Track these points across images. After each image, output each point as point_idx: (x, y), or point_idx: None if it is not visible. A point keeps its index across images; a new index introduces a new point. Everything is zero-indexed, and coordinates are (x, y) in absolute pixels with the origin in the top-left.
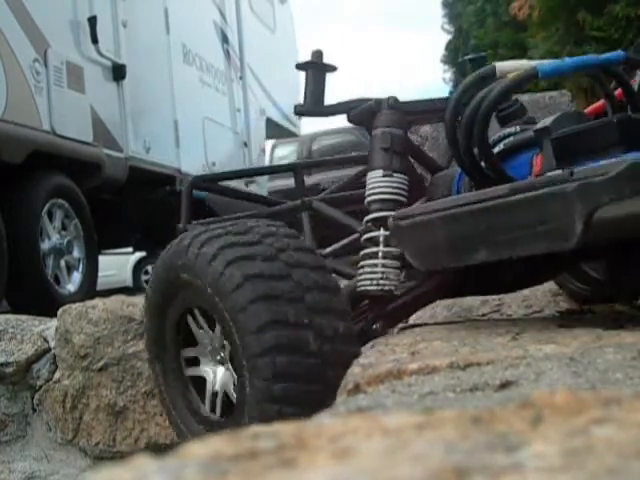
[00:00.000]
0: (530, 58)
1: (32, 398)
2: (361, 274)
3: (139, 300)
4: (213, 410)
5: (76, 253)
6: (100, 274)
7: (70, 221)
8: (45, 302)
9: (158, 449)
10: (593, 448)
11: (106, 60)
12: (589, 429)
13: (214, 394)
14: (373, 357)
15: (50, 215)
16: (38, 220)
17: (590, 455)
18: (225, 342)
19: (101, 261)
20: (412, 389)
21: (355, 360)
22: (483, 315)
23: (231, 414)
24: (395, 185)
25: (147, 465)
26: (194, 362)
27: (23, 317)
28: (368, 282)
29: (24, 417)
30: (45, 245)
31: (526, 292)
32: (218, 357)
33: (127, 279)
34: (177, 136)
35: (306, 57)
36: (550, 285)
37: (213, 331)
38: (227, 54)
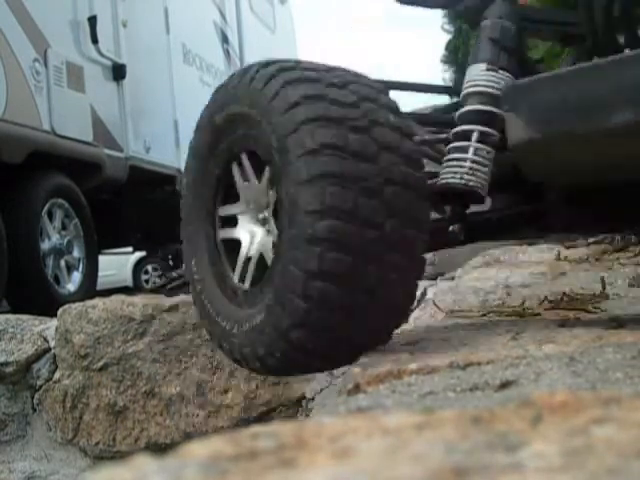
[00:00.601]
0: (530, 58)
1: (32, 398)
2: (446, 167)
3: (139, 300)
4: (242, 280)
5: (76, 253)
6: (100, 274)
7: (70, 221)
8: (45, 302)
9: (158, 449)
10: (593, 448)
11: (106, 60)
12: (589, 429)
13: (247, 259)
14: (373, 357)
15: (50, 215)
16: (38, 220)
17: (590, 455)
18: (270, 193)
19: (101, 261)
20: (412, 389)
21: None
22: (483, 315)
23: (260, 283)
24: (498, 81)
25: (147, 465)
26: (230, 223)
27: (23, 317)
28: (451, 175)
29: (24, 417)
30: (45, 245)
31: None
32: (260, 216)
33: (127, 279)
34: (177, 136)
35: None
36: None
37: (259, 181)
38: (227, 54)
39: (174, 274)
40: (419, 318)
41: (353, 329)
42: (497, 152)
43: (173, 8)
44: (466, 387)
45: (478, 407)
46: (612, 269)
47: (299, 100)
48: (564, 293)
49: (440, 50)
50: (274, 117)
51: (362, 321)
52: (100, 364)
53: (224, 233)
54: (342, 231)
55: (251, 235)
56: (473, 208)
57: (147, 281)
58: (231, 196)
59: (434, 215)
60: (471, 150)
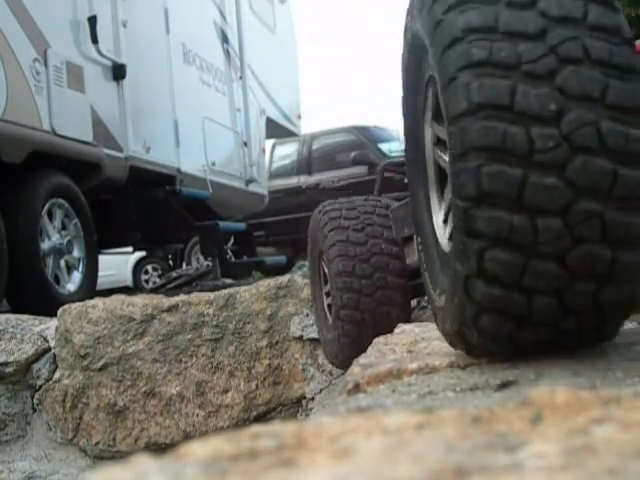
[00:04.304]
0: None
1: (32, 398)
2: None
3: (139, 300)
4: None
5: (76, 253)
6: (100, 274)
7: (70, 221)
8: (45, 302)
9: (158, 449)
10: (593, 448)
11: (106, 60)
12: (589, 429)
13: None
14: (373, 357)
15: (50, 215)
16: (38, 220)
17: (590, 455)
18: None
19: (101, 261)
20: (412, 389)
21: (355, 360)
22: None
23: None
24: None
25: (147, 465)
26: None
27: (23, 317)
28: None
29: (24, 417)
30: (45, 245)
31: None
32: None
33: (127, 279)
34: (177, 136)
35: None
36: None
37: None
38: (227, 54)
39: (174, 274)
40: (419, 318)
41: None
42: None
43: (173, 8)
44: (466, 387)
45: (478, 407)
46: None
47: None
48: None
49: None
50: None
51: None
52: (100, 364)
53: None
54: None
55: None
56: None
57: (147, 281)
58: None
59: None
60: None
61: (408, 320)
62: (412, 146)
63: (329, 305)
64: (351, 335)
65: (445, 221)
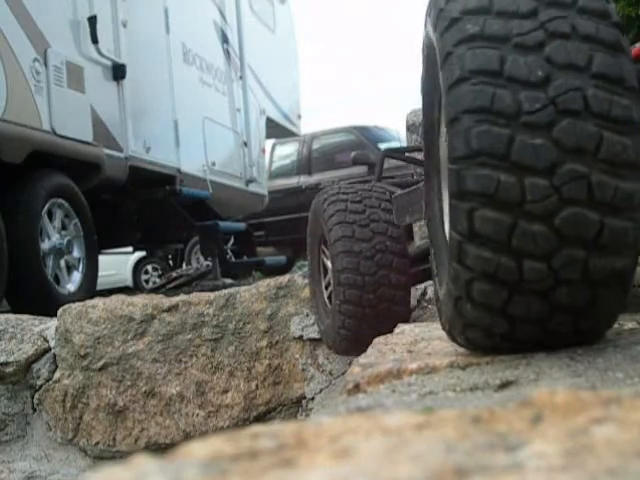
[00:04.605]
0: None
1: (32, 398)
2: None
3: (139, 300)
4: None
5: (76, 253)
6: (100, 274)
7: (70, 221)
8: (45, 302)
9: (158, 449)
10: (593, 448)
11: (106, 60)
12: (589, 429)
13: None
14: (373, 357)
15: (50, 215)
16: (38, 220)
17: (590, 455)
18: None
19: (101, 261)
20: (412, 389)
21: (355, 360)
22: None
23: None
24: None
25: (147, 465)
26: None
27: (23, 317)
28: None
29: (24, 417)
30: (45, 245)
31: None
32: None
33: (127, 279)
34: (177, 136)
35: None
36: None
37: None
38: (227, 54)
39: (174, 274)
40: (419, 318)
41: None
42: None
43: (173, 8)
44: (466, 387)
45: (478, 407)
46: None
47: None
48: None
49: None
50: None
51: None
52: (100, 364)
53: None
54: None
55: None
56: None
57: (147, 281)
58: None
59: None
60: None
61: (409, 315)
62: (428, 131)
63: (329, 297)
64: (352, 329)
65: None
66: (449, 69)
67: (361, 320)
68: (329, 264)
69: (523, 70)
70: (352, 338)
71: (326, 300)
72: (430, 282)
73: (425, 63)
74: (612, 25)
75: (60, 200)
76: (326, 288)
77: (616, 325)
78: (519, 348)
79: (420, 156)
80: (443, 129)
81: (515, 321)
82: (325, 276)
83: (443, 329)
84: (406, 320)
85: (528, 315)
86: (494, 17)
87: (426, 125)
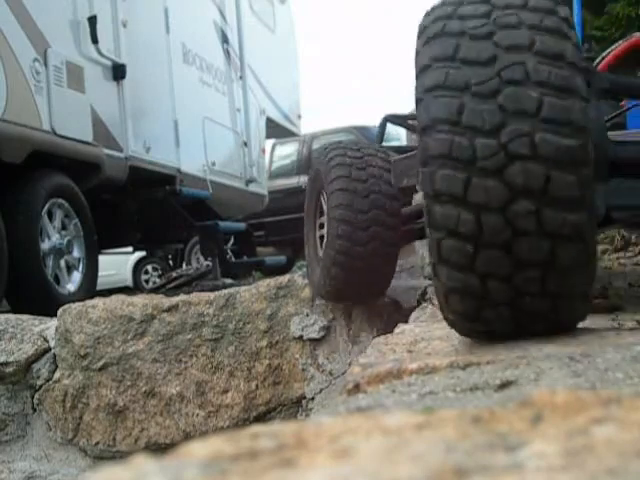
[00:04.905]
0: None
1: (32, 398)
2: None
3: (139, 300)
4: None
5: (76, 253)
6: (100, 274)
7: (70, 221)
8: (45, 302)
9: (158, 449)
10: (593, 448)
11: (106, 60)
12: (589, 429)
13: None
14: (373, 357)
15: (50, 215)
16: (38, 220)
17: (590, 455)
18: None
19: (101, 261)
20: (412, 389)
21: (355, 360)
22: None
23: None
24: None
25: (147, 465)
26: None
27: (23, 317)
28: None
29: (24, 417)
30: (45, 245)
31: None
32: None
33: (127, 279)
34: (177, 136)
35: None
36: None
37: None
38: (227, 54)
39: (174, 274)
40: (419, 318)
41: None
42: None
43: (173, 8)
44: (466, 387)
45: (478, 407)
46: (612, 269)
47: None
48: None
49: None
50: None
51: None
52: (100, 364)
53: None
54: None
55: None
56: None
57: (147, 281)
58: None
59: None
60: None
61: (395, 260)
62: None
63: (321, 237)
64: (344, 265)
65: None
66: (419, 114)
67: (350, 271)
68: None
69: (478, 118)
70: (340, 286)
71: (318, 246)
72: (431, 282)
73: None
74: (566, 66)
75: (60, 200)
76: (320, 240)
77: (616, 325)
78: (499, 314)
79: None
80: None
81: (485, 278)
82: (320, 227)
83: (445, 319)
84: (388, 282)
85: (495, 270)
86: (458, 65)
87: None
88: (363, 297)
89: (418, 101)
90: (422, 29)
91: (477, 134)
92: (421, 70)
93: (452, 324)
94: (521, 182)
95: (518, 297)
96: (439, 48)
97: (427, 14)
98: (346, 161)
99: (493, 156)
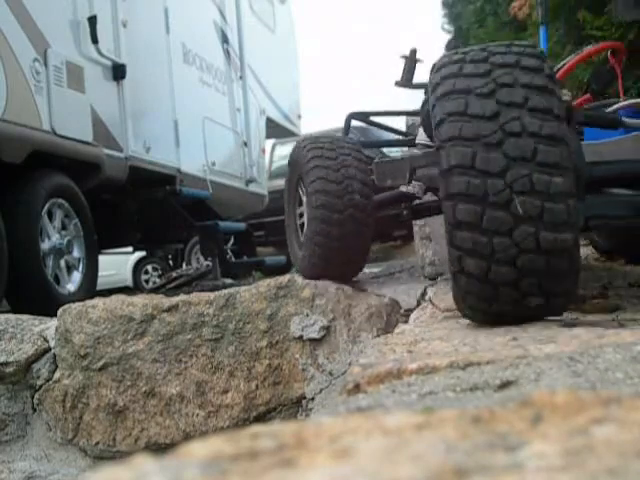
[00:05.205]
0: None
1: (32, 398)
2: None
3: (139, 300)
4: None
5: (76, 253)
6: (100, 274)
7: (70, 221)
8: (45, 302)
9: (158, 449)
10: (593, 448)
11: (106, 60)
12: (589, 429)
13: None
14: (373, 357)
15: (50, 215)
16: (38, 220)
17: (590, 455)
18: None
19: (101, 261)
20: (412, 389)
21: (355, 360)
22: None
23: None
24: None
25: (147, 465)
26: None
27: (23, 317)
28: None
29: (24, 417)
30: (45, 245)
31: None
32: None
33: (127, 279)
34: (177, 136)
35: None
36: None
37: None
38: (227, 54)
39: (174, 274)
40: (419, 318)
41: None
42: None
43: (173, 8)
44: (466, 387)
45: (478, 407)
46: (612, 269)
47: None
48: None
49: (440, 50)
50: None
51: None
52: (100, 364)
53: None
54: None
55: None
56: None
57: (147, 281)
58: None
59: None
60: None
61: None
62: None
63: (302, 225)
64: (322, 257)
65: None
66: (441, 158)
67: (329, 251)
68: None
69: (488, 164)
70: (322, 265)
71: (299, 231)
72: (431, 282)
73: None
74: (554, 119)
75: (60, 200)
76: (301, 227)
77: (616, 325)
78: (506, 310)
79: (384, 120)
80: None
81: (496, 286)
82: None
83: (458, 309)
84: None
85: (504, 279)
86: (469, 119)
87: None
88: (340, 275)
89: (439, 148)
90: (434, 86)
91: (488, 176)
92: (438, 123)
93: (469, 317)
94: (522, 212)
95: (522, 298)
96: (452, 105)
97: (436, 70)
98: (322, 154)
99: (500, 193)
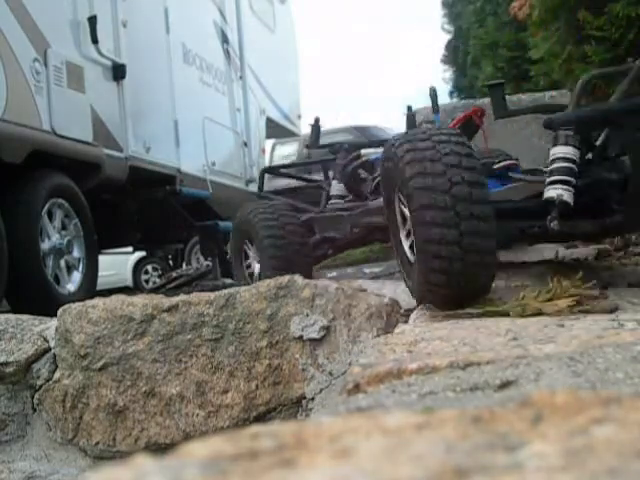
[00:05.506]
0: (530, 58)
1: (32, 398)
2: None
3: (139, 300)
4: None
5: (76, 253)
6: (100, 274)
7: (70, 221)
8: (45, 302)
9: (158, 449)
10: (593, 448)
11: (106, 60)
12: (589, 429)
13: None
14: (373, 357)
15: (50, 215)
16: (38, 220)
17: (590, 455)
18: None
19: (101, 261)
20: (412, 389)
21: (355, 360)
22: (483, 315)
23: None
24: None
25: (147, 465)
26: None
27: (23, 317)
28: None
29: (24, 417)
30: (45, 245)
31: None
32: None
33: (127, 279)
34: (177, 136)
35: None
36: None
37: None
38: (227, 54)
39: (174, 274)
40: (419, 318)
41: None
42: None
43: (173, 8)
44: (466, 387)
45: (478, 407)
46: (612, 269)
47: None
48: (564, 293)
49: (440, 50)
50: None
51: None
52: (100, 364)
53: None
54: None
55: None
56: None
57: (147, 281)
58: None
59: None
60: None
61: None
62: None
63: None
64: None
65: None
66: (413, 200)
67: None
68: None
69: (443, 203)
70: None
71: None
72: None
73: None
74: (477, 173)
75: (60, 200)
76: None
77: (616, 325)
78: (458, 293)
79: (296, 171)
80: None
81: (453, 275)
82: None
83: (411, 293)
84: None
85: (458, 270)
86: (429, 176)
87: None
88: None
89: (410, 195)
90: (401, 154)
91: (443, 210)
92: (409, 178)
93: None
94: (467, 228)
95: (466, 269)
96: (417, 168)
97: (397, 145)
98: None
99: (451, 219)
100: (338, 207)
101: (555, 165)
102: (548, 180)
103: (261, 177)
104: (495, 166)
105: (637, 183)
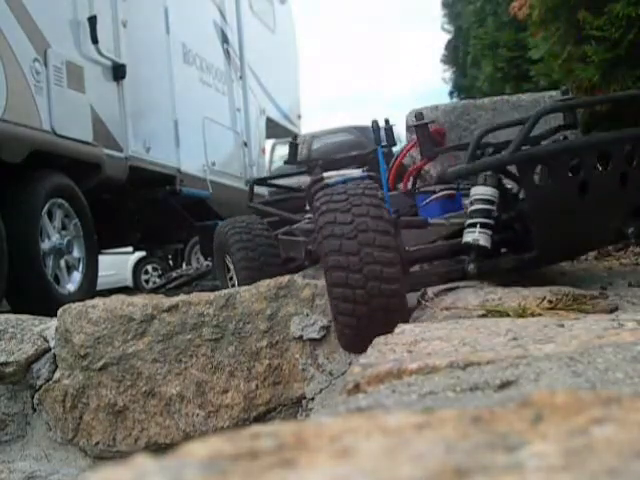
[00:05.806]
0: (530, 58)
1: (32, 398)
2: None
3: (139, 300)
4: None
5: (76, 253)
6: (100, 274)
7: (70, 221)
8: (45, 302)
9: (158, 449)
10: (593, 448)
11: (106, 60)
12: (589, 429)
13: None
14: (373, 357)
15: (50, 215)
16: (38, 220)
17: (590, 455)
18: None
19: (101, 261)
20: (412, 389)
21: (355, 360)
22: (483, 315)
23: None
24: None
25: (147, 465)
26: None
27: (23, 317)
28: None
29: (24, 417)
30: (45, 245)
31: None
32: None
33: (127, 279)
34: (177, 136)
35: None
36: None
37: None
38: (227, 54)
39: (174, 274)
40: (419, 318)
41: None
42: None
43: (173, 8)
44: (466, 387)
45: (478, 407)
46: (612, 269)
47: None
48: (564, 293)
49: (440, 50)
50: None
51: None
52: (100, 364)
53: None
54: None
55: None
56: None
57: (147, 281)
58: None
59: None
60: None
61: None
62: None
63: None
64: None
65: None
66: (322, 248)
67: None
68: None
69: (349, 249)
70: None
71: None
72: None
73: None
74: (385, 222)
75: (60, 200)
76: None
77: (616, 325)
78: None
79: (283, 181)
80: None
81: (360, 319)
82: None
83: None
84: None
85: (362, 312)
86: (337, 225)
87: None
88: None
89: (321, 241)
90: (318, 207)
91: (349, 255)
92: (321, 228)
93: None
94: (369, 273)
95: (371, 312)
96: (327, 218)
97: (314, 194)
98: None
99: (356, 264)
100: (303, 228)
101: (473, 207)
102: (467, 223)
103: (251, 188)
104: (432, 196)
105: (540, 226)
